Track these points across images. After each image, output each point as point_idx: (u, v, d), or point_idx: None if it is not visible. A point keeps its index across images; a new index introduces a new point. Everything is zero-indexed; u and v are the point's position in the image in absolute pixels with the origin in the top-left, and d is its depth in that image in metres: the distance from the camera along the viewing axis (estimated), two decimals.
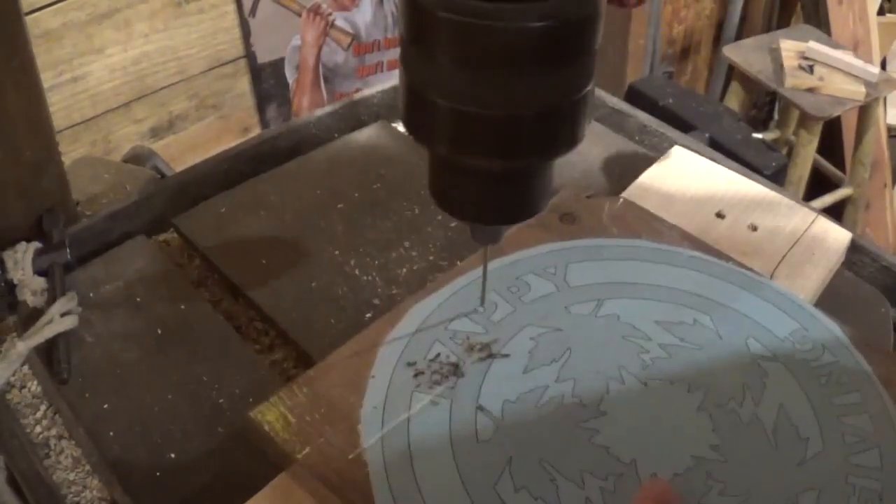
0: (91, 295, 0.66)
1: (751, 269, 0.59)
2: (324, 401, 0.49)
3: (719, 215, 0.68)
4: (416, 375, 0.50)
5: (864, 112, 2.09)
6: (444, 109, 0.38)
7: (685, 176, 0.72)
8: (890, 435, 0.47)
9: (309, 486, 0.46)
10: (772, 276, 0.62)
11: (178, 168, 0.85)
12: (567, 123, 0.39)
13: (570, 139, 0.40)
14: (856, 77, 1.99)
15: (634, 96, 1.97)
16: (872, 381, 0.50)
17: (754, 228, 0.66)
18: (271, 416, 0.49)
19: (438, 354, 0.52)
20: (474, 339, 0.53)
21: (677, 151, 0.75)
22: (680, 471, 0.45)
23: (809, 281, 0.62)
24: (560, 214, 0.63)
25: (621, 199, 0.66)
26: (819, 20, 2.35)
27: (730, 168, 0.76)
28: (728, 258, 0.60)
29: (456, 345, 0.52)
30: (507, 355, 0.52)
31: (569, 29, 0.36)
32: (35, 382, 0.62)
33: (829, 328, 0.54)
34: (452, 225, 0.71)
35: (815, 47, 2.03)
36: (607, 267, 0.58)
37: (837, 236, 0.67)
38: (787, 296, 0.56)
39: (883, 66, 2.57)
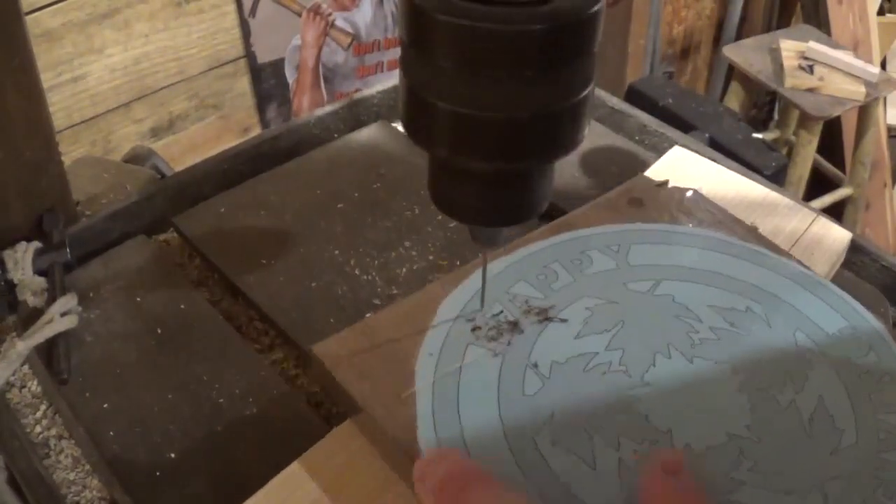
0: (91, 295, 0.66)
1: (810, 269, 0.60)
2: (384, 344, 0.51)
3: None
4: (473, 330, 0.52)
5: (864, 112, 2.09)
6: (443, 112, 0.38)
7: (684, 176, 0.72)
8: None
9: (364, 426, 0.49)
10: None
11: (178, 168, 0.85)
12: (567, 126, 0.39)
13: (569, 141, 0.40)
14: (856, 77, 1.99)
15: (634, 96, 1.97)
16: None
17: (755, 229, 0.66)
18: (333, 350, 0.51)
19: (499, 312, 0.54)
20: (533, 303, 0.55)
21: (676, 151, 0.75)
22: (714, 444, 0.46)
23: None
24: (629, 198, 0.65)
25: (691, 192, 0.66)
26: (819, 20, 2.35)
27: (730, 168, 0.76)
28: (791, 257, 0.61)
29: (515, 306, 0.54)
30: (564, 320, 0.53)
31: (568, 31, 0.36)
32: (35, 382, 0.62)
33: (878, 329, 0.55)
34: (452, 225, 0.71)
35: (815, 47, 2.03)
36: (669, 251, 0.60)
37: (837, 236, 0.67)
38: (841, 296, 0.57)
39: (883, 66, 2.57)
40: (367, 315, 0.54)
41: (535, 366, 0.50)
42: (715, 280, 0.57)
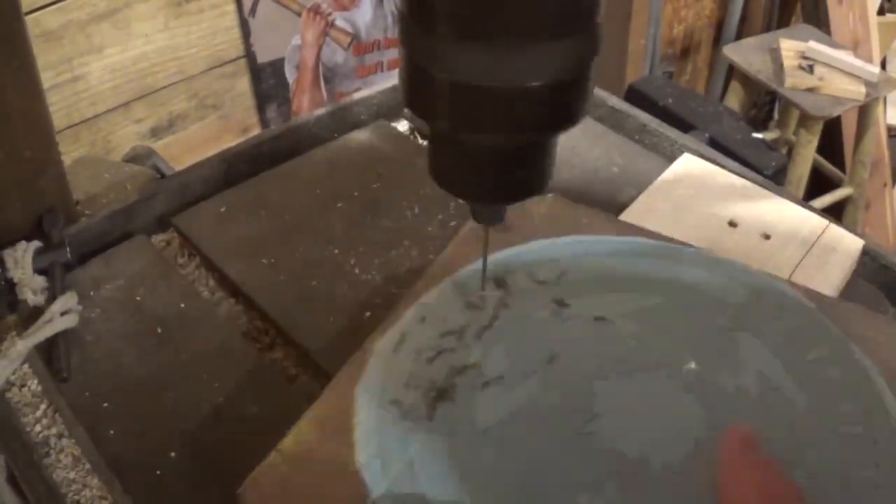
0: (91, 294, 0.66)
1: (691, 245, 0.59)
2: (315, 461, 0.46)
3: (732, 224, 0.68)
4: (404, 415, 0.48)
5: (864, 112, 2.09)
6: (444, 83, 0.37)
7: (696, 184, 0.72)
8: (864, 380, 0.49)
9: None
10: None
11: (178, 168, 0.85)
12: (571, 97, 0.38)
13: (573, 113, 0.39)
14: (856, 77, 1.99)
15: (634, 96, 1.97)
16: (833, 331, 0.52)
17: (767, 237, 0.66)
18: (265, 488, 0.45)
19: (418, 386, 0.50)
20: (454, 362, 0.51)
21: (687, 159, 0.75)
22: (688, 454, 0.45)
23: (823, 288, 0.62)
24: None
25: (549, 197, 0.64)
26: (819, 20, 2.35)
27: (730, 168, 0.76)
28: (664, 237, 0.60)
29: (436, 371, 0.51)
30: (488, 382, 0.50)
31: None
32: (35, 381, 0.62)
33: (781, 290, 0.55)
34: (452, 224, 0.71)
35: (815, 47, 2.03)
36: (551, 266, 0.57)
37: (850, 243, 0.67)
38: (735, 265, 0.57)
39: (883, 66, 2.57)
40: (277, 448, 0.48)
41: (479, 434, 0.47)
42: (616, 284, 0.56)
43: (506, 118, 0.38)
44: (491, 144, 0.40)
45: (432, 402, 0.49)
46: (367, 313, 0.63)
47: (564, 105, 0.38)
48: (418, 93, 0.39)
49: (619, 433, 0.47)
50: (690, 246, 0.59)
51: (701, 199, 0.70)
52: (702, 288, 0.55)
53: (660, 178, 0.72)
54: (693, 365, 0.50)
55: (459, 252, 0.59)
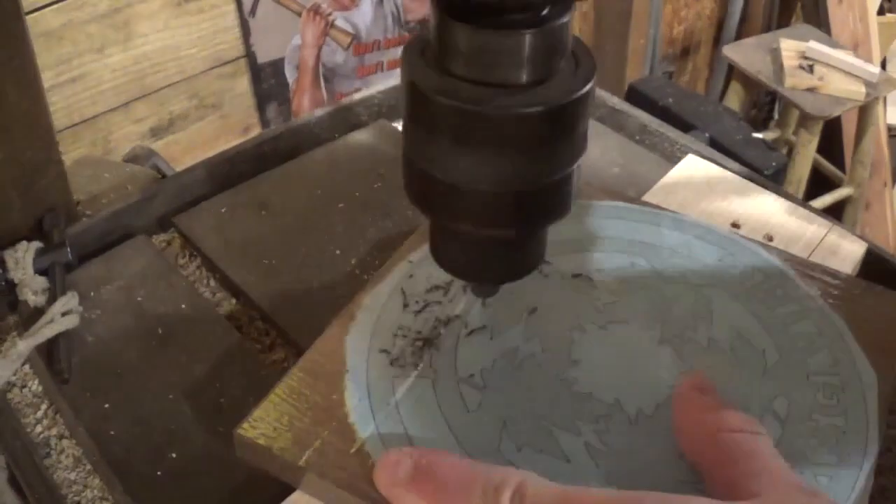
0: (92, 294, 0.66)
1: (667, 209, 0.62)
2: (307, 404, 0.48)
3: (735, 225, 0.68)
4: (391, 362, 0.51)
5: (864, 112, 2.09)
6: (441, 184, 0.40)
7: (700, 185, 0.72)
8: (834, 333, 0.52)
9: (319, 492, 0.46)
10: None
11: (178, 168, 0.85)
12: (558, 196, 0.41)
13: (560, 209, 0.42)
14: (856, 77, 1.99)
15: (634, 96, 1.97)
16: (805, 288, 0.55)
17: (770, 239, 0.66)
18: (261, 428, 0.47)
19: (405, 336, 0.52)
20: (440, 314, 0.54)
21: (690, 160, 0.75)
22: (661, 401, 0.48)
23: None
24: None
25: None
26: (819, 20, 2.36)
27: (730, 168, 0.76)
28: (643, 203, 0.63)
29: (422, 322, 0.53)
30: (473, 330, 0.53)
31: (560, 112, 0.38)
32: (36, 381, 0.62)
33: (752, 249, 0.58)
34: None
35: (815, 47, 2.03)
36: None
37: (852, 247, 0.67)
38: (708, 227, 0.60)
39: (883, 66, 2.57)
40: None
41: (470, 377, 0.49)
42: (591, 245, 0.58)
43: (496, 216, 0.41)
44: (484, 237, 0.43)
45: (418, 351, 0.51)
46: None
47: (551, 203, 0.42)
48: (417, 187, 0.42)
49: (596, 379, 0.49)
50: (670, 211, 0.62)
51: (704, 200, 0.70)
52: (678, 249, 0.58)
53: (664, 179, 0.72)
54: (667, 319, 0.53)
55: None
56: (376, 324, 0.53)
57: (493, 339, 0.52)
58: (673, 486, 0.44)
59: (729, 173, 0.74)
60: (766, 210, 0.70)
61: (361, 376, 0.50)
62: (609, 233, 0.59)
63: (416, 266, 0.57)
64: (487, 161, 0.38)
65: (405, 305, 0.54)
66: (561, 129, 0.39)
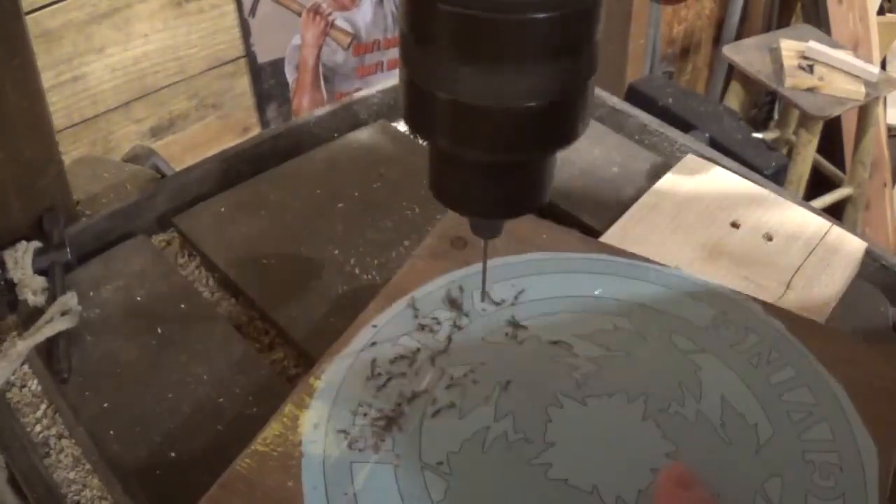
0: (91, 294, 0.66)
1: (652, 261, 0.58)
2: (260, 493, 0.45)
3: (734, 225, 0.68)
4: (350, 445, 0.47)
5: (864, 112, 2.09)
6: (444, 102, 0.38)
7: (699, 184, 0.71)
8: (832, 403, 0.48)
9: None
10: (787, 287, 0.62)
11: (178, 168, 0.85)
12: (568, 116, 0.39)
13: (570, 132, 0.40)
14: (856, 77, 1.99)
15: (634, 96, 1.97)
16: (801, 351, 0.51)
17: (769, 238, 0.66)
18: None
19: (366, 414, 0.49)
20: (405, 388, 0.50)
21: (690, 159, 0.75)
22: (643, 486, 0.44)
23: (826, 291, 0.62)
24: (450, 240, 0.60)
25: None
26: (819, 20, 2.35)
27: (730, 168, 0.76)
28: (627, 254, 0.59)
29: (385, 398, 0.50)
30: (440, 409, 0.49)
31: (570, 20, 0.36)
32: (35, 381, 0.62)
33: (747, 307, 0.54)
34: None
35: (815, 47, 2.03)
36: (509, 286, 0.56)
37: (852, 246, 0.66)
38: (698, 283, 0.56)
39: (883, 66, 2.57)
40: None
41: (427, 466, 0.46)
42: (570, 305, 0.54)
43: (504, 137, 0.38)
44: (490, 162, 0.41)
45: (380, 432, 0.48)
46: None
47: (561, 124, 0.39)
48: (417, 111, 0.40)
49: (574, 463, 0.46)
50: (657, 264, 0.58)
51: (704, 199, 0.70)
52: (665, 309, 0.54)
53: (664, 178, 0.72)
54: (652, 390, 0.49)
55: (414, 272, 0.58)
56: (336, 400, 0.49)
57: (462, 419, 0.48)
58: None
59: (728, 173, 0.74)
60: (766, 210, 0.70)
61: (317, 461, 0.46)
62: (591, 290, 0.55)
63: (381, 332, 0.53)
64: (492, 74, 0.36)
65: (367, 378, 0.50)
66: (571, 38, 0.37)
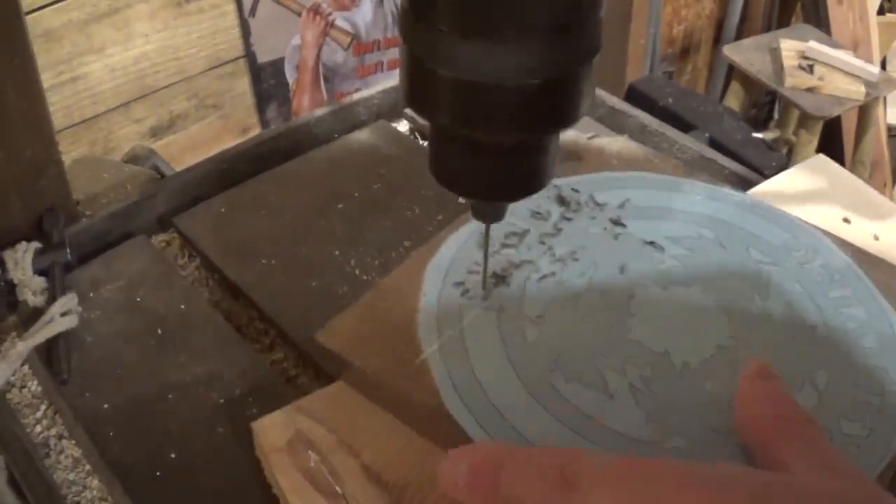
0: (91, 295, 0.66)
1: (746, 194, 0.65)
2: (383, 320, 0.53)
3: (846, 220, 0.72)
4: (463, 293, 0.55)
5: (864, 112, 2.09)
6: (445, 80, 0.37)
7: (822, 180, 0.76)
8: (882, 319, 0.54)
9: (370, 391, 0.52)
10: None
11: (178, 168, 0.85)
12: (571, 95, 0.39)
13: (573, 112, 0.39)
14: (856, 77, 1.99)
15: (634, 96, 1.97)
16: (859, 275, 0.57)
17: (876, 238, 0.70)
18: (338, 335, 0.53)
19: (480, 272, 0.56)
20: (513, 257, 0.57)
21: (819, 159, 0.79)
22: (707, 357, 0.51)
23: None
24: (564, 154, 0.67)
25: (621, 138, 0.70)
26: (819, 20, 2.36)
27: (730, 168, 0.76)
28: (725, 185, 0.66)
29: (496, 262, 0.57)
30: (542, 277, 0.56)
31: None
32: (35, 382, 0.62)
33: (816, 235, 0.61)
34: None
35: (815, 47, 2.03)
36: (615, 193, 0.63)
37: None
38: (778, 212, 0.63)
39: (883, 66, 2.57)
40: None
41: (526, 315, 0.53)
42: (664, 214, 0.62)
43: (507, 116, 0.38)
44: (492, 142, 0.40)
45: (490, 286, 0.55)
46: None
47: (565, 103, 0.39)
48: (418, 89, 0.39)
49: (649, 331, 0.52)
50: (756, 199, 0.65)
51: (820, 194, 0.74)
52: (747, 227, 0.61)
53: (792, 168, 0.76)
54: (725, 286, 0.56)
55: None
56: (455, 258, 0.58)
57: (560, 285, 0.56)
58: (704, 433, 0.46)
59: (849, 174, 0.78)
60: (875, 211, 0.73)
61: (434, 300, 0.54)
62: (683, 206, 0.63)
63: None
64: (494, 49, 0.36)
65: (481, 246, 0.57)
66: (573, 16, 0.36)
